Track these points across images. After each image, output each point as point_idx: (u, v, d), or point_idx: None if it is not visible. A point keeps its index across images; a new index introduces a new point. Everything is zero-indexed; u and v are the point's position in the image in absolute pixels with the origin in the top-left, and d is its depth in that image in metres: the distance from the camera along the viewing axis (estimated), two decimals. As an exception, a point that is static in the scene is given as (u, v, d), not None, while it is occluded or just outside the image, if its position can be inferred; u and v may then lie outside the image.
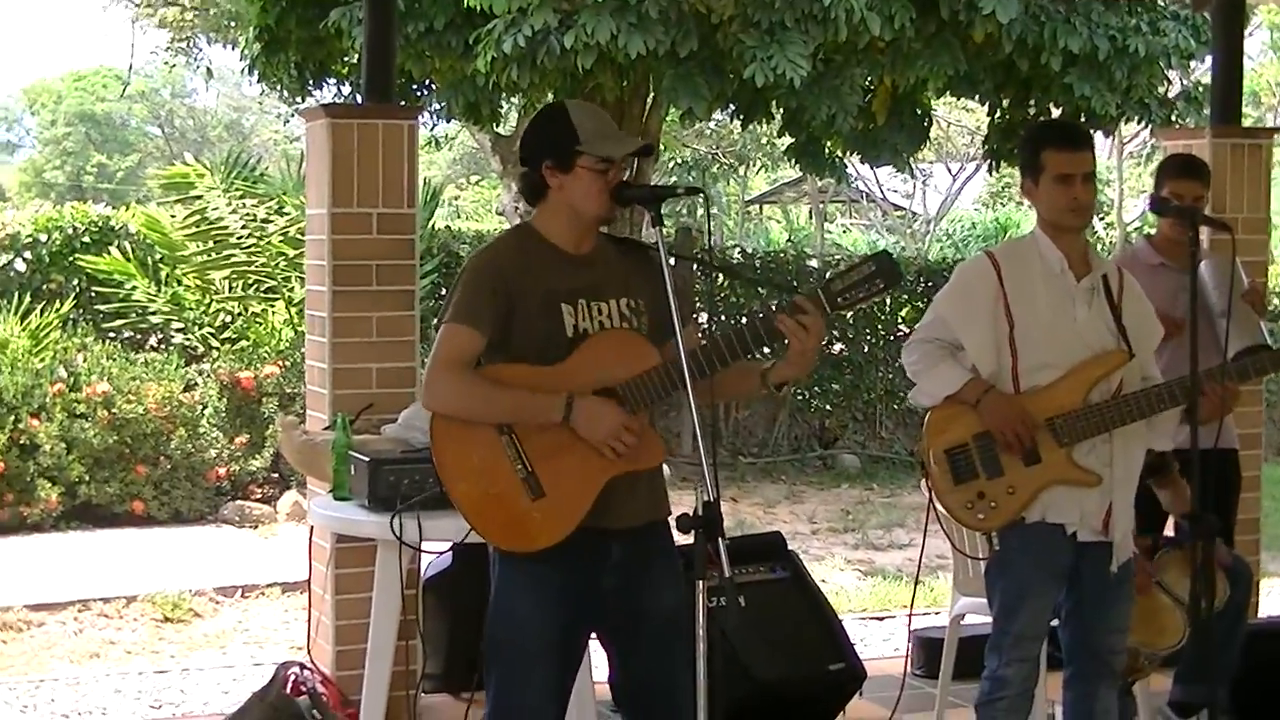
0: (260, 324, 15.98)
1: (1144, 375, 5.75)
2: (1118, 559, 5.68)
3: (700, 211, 28.49)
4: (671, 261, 4.80)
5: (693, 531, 4.56)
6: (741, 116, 15.70)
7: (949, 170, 35.72)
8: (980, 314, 5.67)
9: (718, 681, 4.71)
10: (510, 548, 4.91)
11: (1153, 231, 7.50)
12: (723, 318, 17.74)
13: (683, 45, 13.19)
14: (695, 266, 15.83)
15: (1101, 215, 36.10)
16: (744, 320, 4.84)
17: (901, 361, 5.92)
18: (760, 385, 4.97)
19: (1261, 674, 6.81)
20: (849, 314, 17.38)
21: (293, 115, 31.16)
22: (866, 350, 19.49)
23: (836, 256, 22.39)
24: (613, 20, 12.64)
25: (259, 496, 15.16)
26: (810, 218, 34.82)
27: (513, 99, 15.65)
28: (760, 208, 37.15)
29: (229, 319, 16.40)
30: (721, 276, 18.36)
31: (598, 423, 4.75)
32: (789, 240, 32.21)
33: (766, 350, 4.84)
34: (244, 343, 15.91)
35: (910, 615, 7.42)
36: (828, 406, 19.24)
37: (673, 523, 4.89)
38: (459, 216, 34.00)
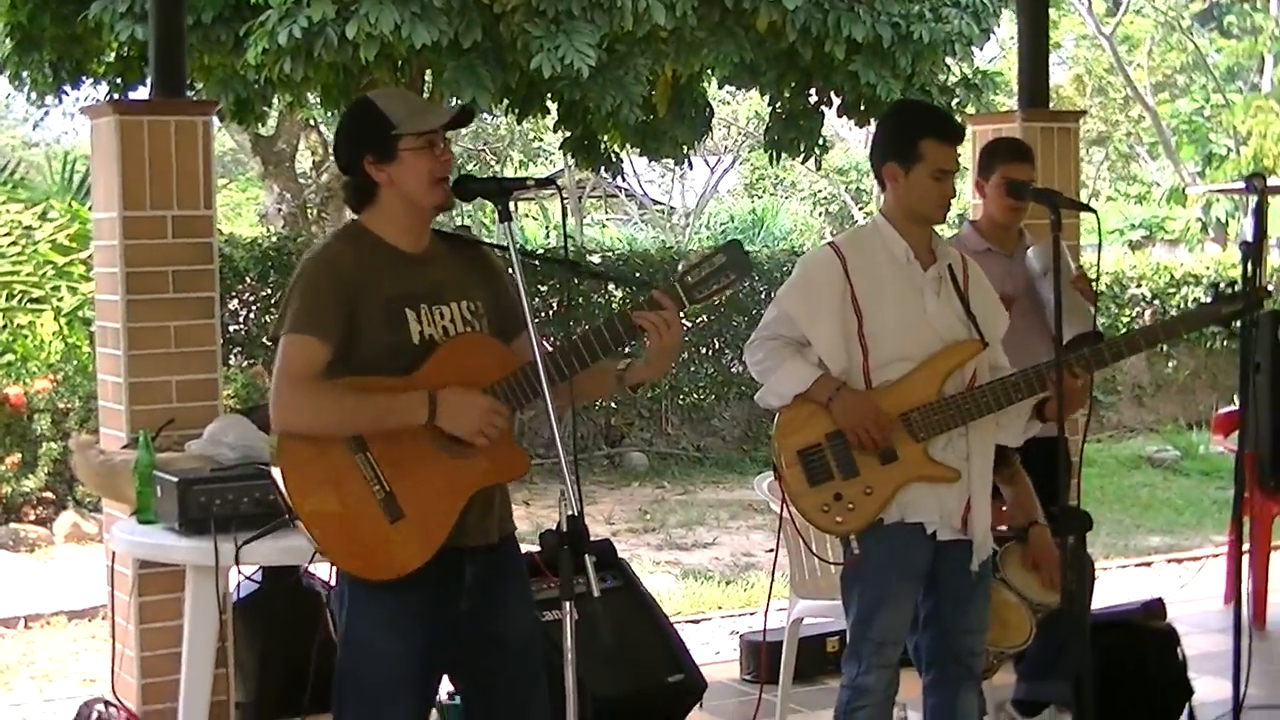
0: (28, 336, 15.44)
1: (993, 365, 5.62)
2: (978, 558, 5.55)
3: (465, 210, 28.37)
4: (518, 257, 4.60)
5: (560, 548, 4.34)
6: (517, 110, 15.48)
7: (707, 163, 35.76)
8: (827, 308, 5.47)
9: (559, 702, 4.47)
10: (369, 576, 4.61)
11: (973, 216, 7.37)
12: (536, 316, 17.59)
13: (466, 36, 13.01)
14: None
15: (861, 203, 36.57)
16: (604, 321, 4.59)
17: (745, 360, 5.68)
18: (616, 386, 4.82)
19: (1101, 664, 6.68)
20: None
21: (41, 119, 30.33)
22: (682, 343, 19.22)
23: (613, 254, 22.18)
24: (396, 9, 12.41)
25: (34, 519, 14.54)
26: (565, 214, 34.56)
27: (282, 97, 15.25)
28: (516, 205, 36.87)
29: (-8, 332, 15.78)
30: (570, 274, 18.18)
31: (466, 411, 4.51)
32: (557, 236, 31.96)
33: (625, 349, 4.66)
34: (10, 357, 15.32)
35: (766, 615, 7.13)
36: (613, 404, 19.05)
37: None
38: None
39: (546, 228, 33.97)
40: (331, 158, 4.60)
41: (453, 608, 4.66)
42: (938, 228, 5.64)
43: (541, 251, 19.06)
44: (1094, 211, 5.66)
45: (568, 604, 4.34)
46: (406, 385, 4.54)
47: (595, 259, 20.58)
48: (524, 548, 4.92)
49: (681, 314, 4.62)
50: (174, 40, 7.34)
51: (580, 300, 18.52)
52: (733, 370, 19.79)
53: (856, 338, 5.44)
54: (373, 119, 4.66)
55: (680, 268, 4.54)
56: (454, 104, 15.21)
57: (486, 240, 4.92)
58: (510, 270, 4.63)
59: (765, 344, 5.59)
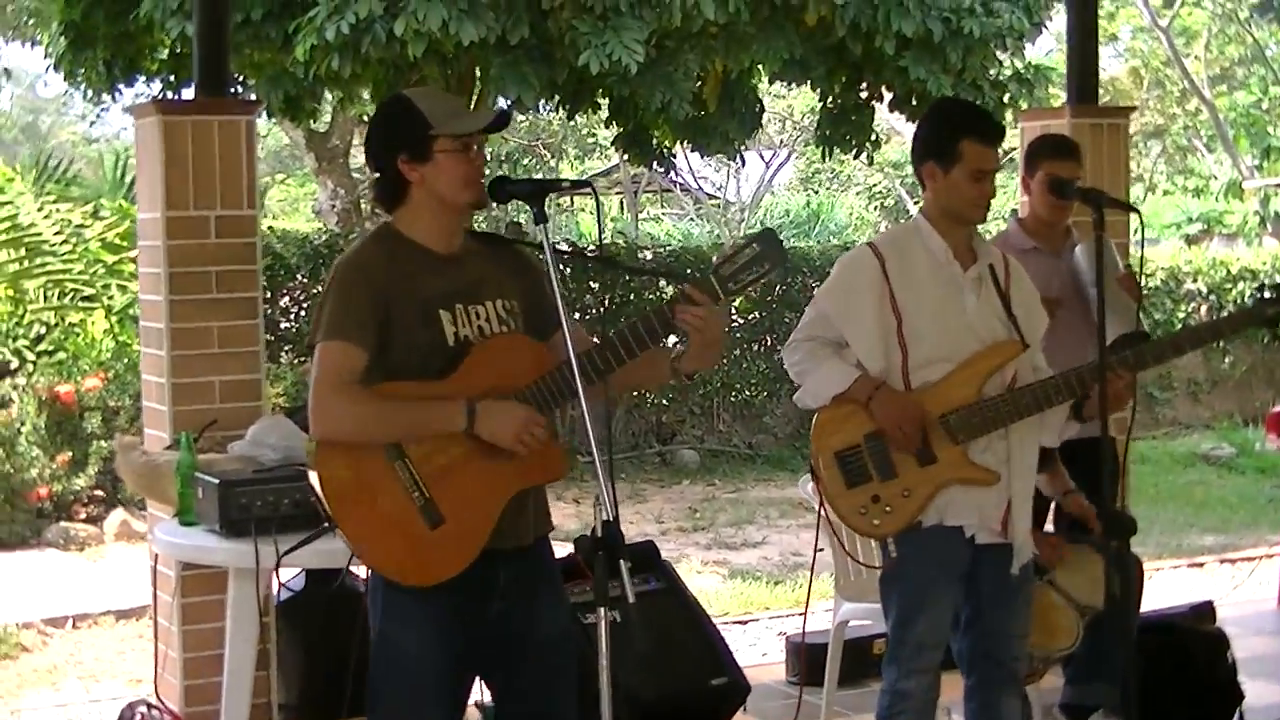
0: (79, 334, 15.47)
1: (1035, 366, 5.57)
2: (1018, 561, 5.49)
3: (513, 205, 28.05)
4: (554, 257, 4.60)
5: (595, 553, 4.33)
6: (567, 106, 15.46)
7: (761, 157, 35.75)
8: (865, 309, 5.44)
9: (594, 705, 4.44)
10: (409, 582, 4.59)
11: (1021, 213, 7.32)
12: (583, 311, 17.69)
13: (513, 32, 13.00)
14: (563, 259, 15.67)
15: (916, 197, 36.46)
16: (640, 315, 4.57)
17: (784, 362, 5.65)
18: (670, 373, 4.79)
19: (1148, 668, 6.63)
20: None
21: (97, 116, 30.48)
22: (725, 334, 19.15)
23: (664, 249, 22.18)
24: (444, 7, 12.43)
25: (84, 517, 14.61)
26: (622, 209, 34.68)
27: (333, 93, 15.29)
28: (570, 199, 36.84)
29: (44, 330, 15.86)
30: (608, 269, 18.35)
31: (505, 420, 4.48)
32: (612, 231, 31.97)
33: (663, 344, 4.64)
34: (62, 355, 15.36)
35: (805, 617, 7.07)
36: (664, 401, 19.05)
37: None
38: (266, 216, 33.54)
39: (600, 221, 33.99)
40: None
41: (485, 610, 4.63)
42: (980, 226, 5.59)
43: (579, 248, 19.00)
44: (1138, 211, 5.61)
45: (602, 609, 4.31)
46: (443, 390, 4.51)
47: (647, 254, 20.57)
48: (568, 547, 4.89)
49: (728, 306, 4.57)
50: (217, 39, 7.33)
51: (632, 296, 18.50)
52: (785, 367, 19.65)
53: (895, 338, 5.40)
54: (410, 118, 4.63)
55: (715, 259, 4.52)
56: (499, 103, 15.29)
57: (524, 240, 4.86)
58: (546, 268, 4.59)
59: (803, 345, 5.57)
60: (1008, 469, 5.41)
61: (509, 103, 14.91)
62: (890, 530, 5.45)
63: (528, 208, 4.60)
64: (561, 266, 17.91)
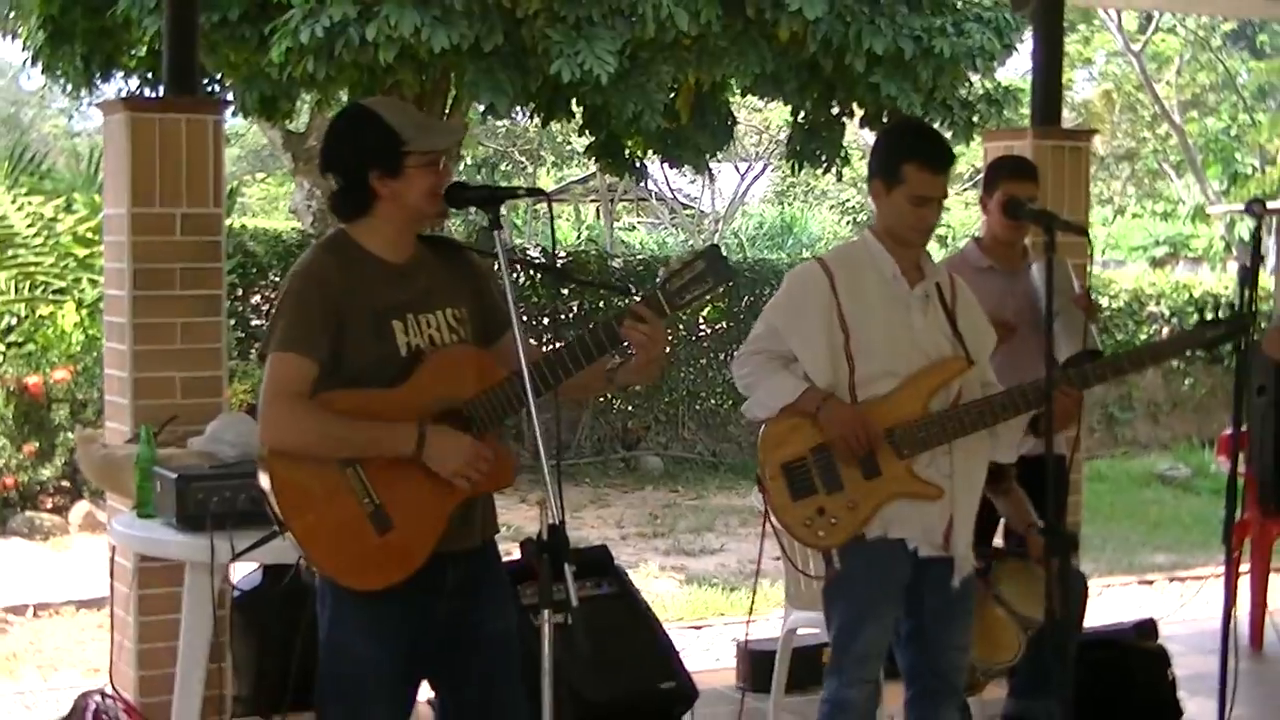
0: (49, 327, 15.39)
1: (984, 382, 5.58)
2: (959, 574, 5.50)
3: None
4: (508, 265, 4.58)
5: (539, 556, 4.33)
6: (542, 114, 15.48)
7: (736, 169, 35.77)
8: (814, 323, 5.45)
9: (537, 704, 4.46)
10: (357, 586, 4.60)
11: (979, 233, 7.35)
12: (551, 320, 17.72)
13: (487, 40, 13.02)
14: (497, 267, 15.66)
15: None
16: (588, 329, 4.59)
17: (732, 374, 5.67)
18: (607, 384, 4.87)
19: (1090, 683, 6.68)
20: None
21: (76, 110, 30.37)
22: (667, 351, 19.18)
23: (635, 257, 22.22)
24: (416, 13, 12.46)
25: (50, 507, 14.64)
26: (598, 216, 34.71)
27: (308, 95, 15.31)
28: (548, 206, 36.64)
29: (14, 322, 15.82)
30: (554, 278, 18.32)
31: (451, 455, 4.51)
32: (583, 239, 32.01)
33: (609, 356, 4.66)
34: (31, 346, 15.32)
35: (748, 625, 7.11)
36: (630, 408, 19.08)
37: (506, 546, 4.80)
38: (245, 214, 33.49)
39: (579, 229, 34.01)
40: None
41: (433, 610, 4.65)
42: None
43: (529, 259, 18.98)
44: (1088, 234, 5.64)
45: (546, 611, 4.32)
46: (394, 399, 4.53)
47: (617, 262, 20.60)
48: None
49: (676, 319, 4.60)
50: (187, 38, 7.31)
51: (601, 305, 18.50)
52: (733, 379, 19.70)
53: (843, 352, 5.41)
54: (379, 131, 4.61)
55: (660, 275, 4.51)
56: (474, 108, 15.31)
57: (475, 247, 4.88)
58: (498, 274, 4.58)
59: (751, 358, 5.58)
60: (951, 484, 5.42)
61: (481, 111, 14.97)
62: (835, 542, 5.46)
63: (505, 211, 4.59)
64: (533, 275, 17.94)
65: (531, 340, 4.78)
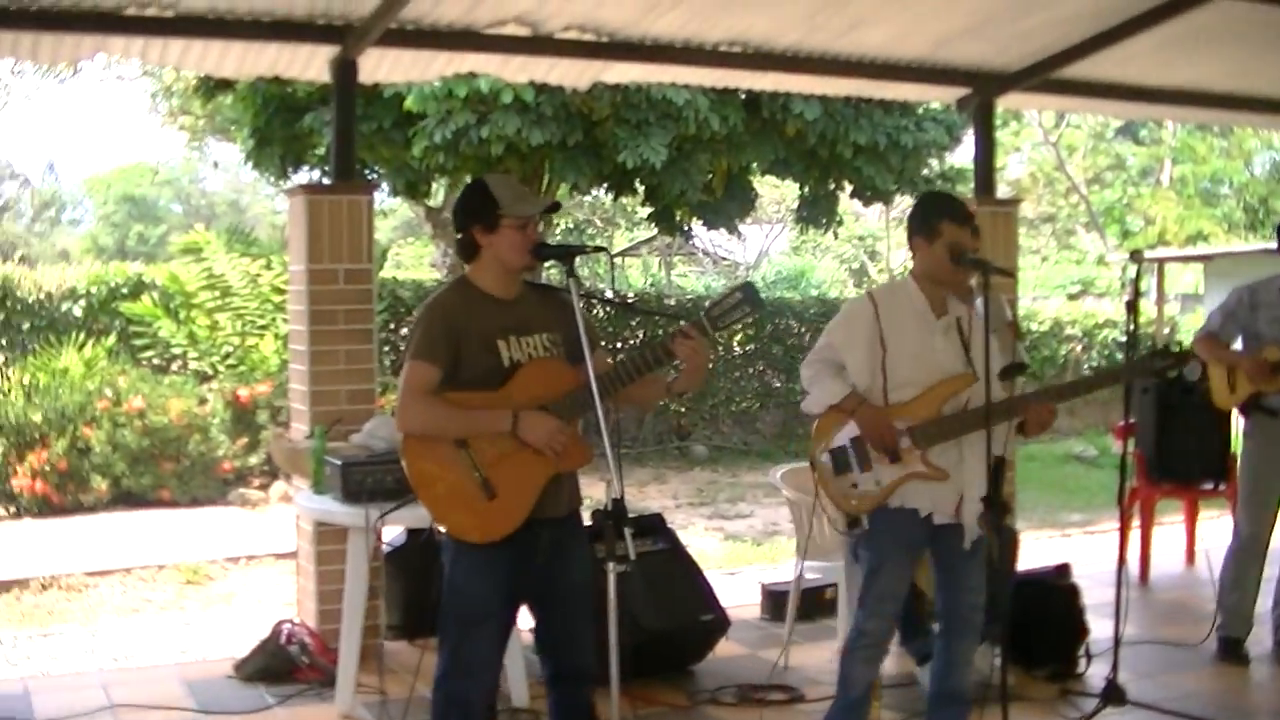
0: (254, 353, 15.50)
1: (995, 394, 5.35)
2: (969, 537, 5.29)
3: (577, 262, 28.30)
4: (580, 302, 4.50)
5: (606, 522, 4.30)
6: (613, 191, 15.49)
7: (761, 230, 35.75)
8: (860, 341, 5.33)
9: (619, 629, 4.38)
10: (471, 539, 4.54)
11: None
12: (618, 343, 17.78)
13: (570, 137, 13.15)
14: (593, 304, 15.72)
15: (875, 262, 36.42)
16: (644, 345, 4.52)
17: (801, 373, 5.55)
18: (665, 393, 4.75)
19: (1021, 612, 6.55)
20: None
21: (278, 194, 30.60)
22: (711, 366, 19.10)
23: (686, 297, 22.15)
24: (518, 118, 12.51)
25: (256, 485, 14.76)
26: (659, 267, 34.69)
27: (440, 180, 15.40)
28: (623, 260, 37.05)
29: (230, 349, 15.89)
30: (623, 311, 18.34)
31: (538, 428, 4.46)
32: (648, 284, 32.00)
33: (664, 368, 4.57)
34: (242, 367, 15.46)
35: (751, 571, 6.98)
36: (682, 409, 19.02)
37: (586, 514, 4.72)
38: (399, 268, 33.62)
39: (645, 276, 34.00)
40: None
41: (530, 562, 4.58)
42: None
43: (601, 296, 19.02)
44: (1014, 276, 5.51)
45: (610, 564, 4.28)
46: (497, 398, 4.48)
47: (671, 301, 20.54)
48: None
49: (717, 340, 4.50)
50: (346, 142, 7.26)
51: (659, 333, 18.41)
52: (773, 385, 19.69)
53: (880, 365, 5.29)
54: (485, 198, 4.60)
55: (706, 304, 4.43)
56: (561, 188, 15.30)
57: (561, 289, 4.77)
58: (575, 312, 4.49)
59: (814, 364, 5.48)
60: (960, 469, 5.26)
61: (569, 188, 14.98)
62: (864, 509, 5.35)
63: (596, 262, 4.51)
64: (607, 310, 17.89)
65: (608, 360, 4.71)
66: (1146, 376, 5.98)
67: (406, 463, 4.55)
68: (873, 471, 5.32)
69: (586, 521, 4.90)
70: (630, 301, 19.22)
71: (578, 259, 4.70)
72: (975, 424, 5.20)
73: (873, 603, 5.37)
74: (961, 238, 5.27)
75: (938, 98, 10.46)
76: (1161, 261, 22.33)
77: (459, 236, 4.67)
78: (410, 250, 38.21)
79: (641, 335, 18.41)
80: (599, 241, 31.94)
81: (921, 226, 5.36)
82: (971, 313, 5.45)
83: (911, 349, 5.29)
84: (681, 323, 4.52)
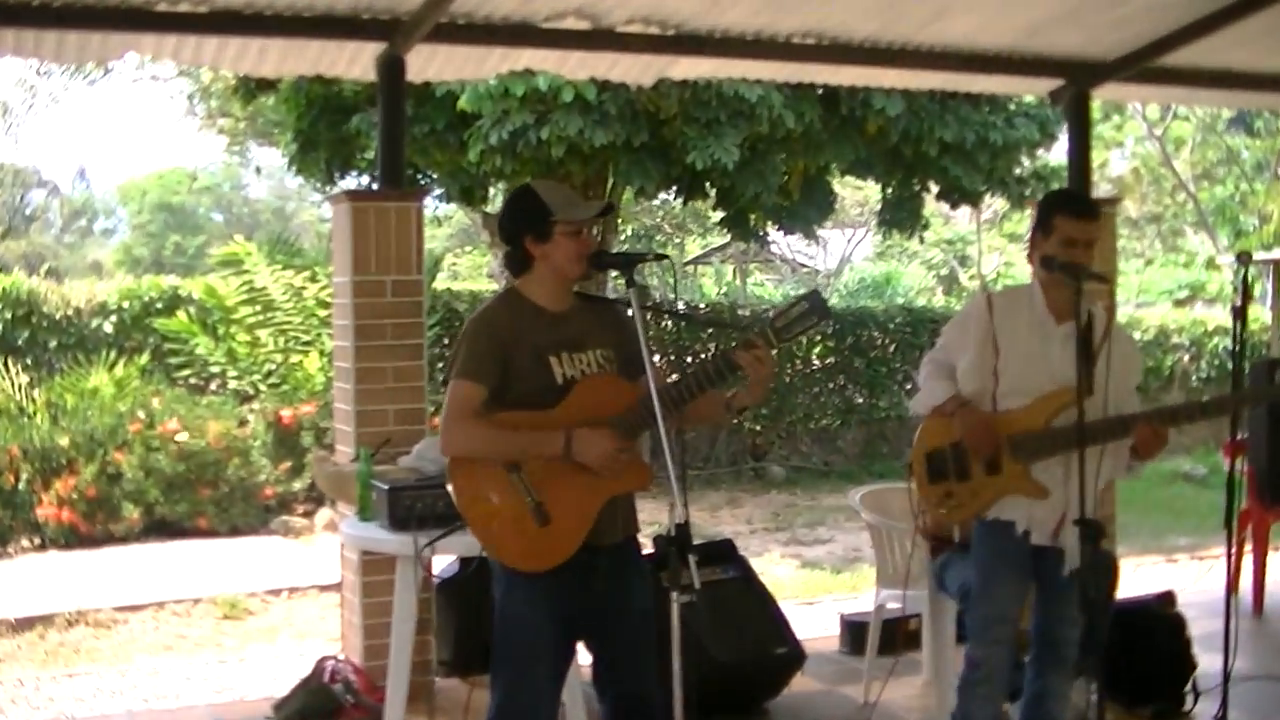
0: (298, 371, 15.56)
1: (1119, 410, 5.25)
2: (1068, 565, 5.25)
3: (646, 270, 28.37)
4: (642, 314, 4.50)
5: (669, 548, 4.23)
6: (682, 195, 15.50)
7: (843, 234, 35.68)
8: (971, 344, 5.36)
9: (684, 663, 4.33)
10: (523, 568, 4.55)
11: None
12: (689, 357, 17.75)
13: (636, 137, 13.15)
14: (650, 316, 15.69)
15: (966, 268, 36.26)
16: (706, 359, 4.51)
17: (839, 399, 5.55)
18: (726, 411, 4.72)
19: (1122, 644, 6.52)
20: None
21: (324, 201, 30.85)
22: (788, 380, 19.13)
23: (761, 307, 22.12)
24: (580, 118, 12.53)
25: (300, 512, 14.81)
26: (734, 275, 34.69)
27: (498, 184, 15.45)
28: (695, 268, 37.12)
29: (273, 367, 15.97)
30: (685, 322, 18.34)
31: (594, 446, 4.45)
32: (721, 294, 31.98)
33: (727, 381, 4.53)
34: (285, 386, 15.52)
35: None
36: (758, 427, 18.93)
37: (647, 540, 4.67)
38: (455, 278, 33.79)
39: (719, 285, 34.03)
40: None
41: (587, 591, 4.57)
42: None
43: (664, 307, 19.03)
44: (1109, 282, 5.47)
45: (674, 594, 4.23)
46: (550, 418, 4.47)
47: (745, 311, 20.50)
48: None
49: (782, 350, 4.48)
50: (395, 145, 7.29)
51: (733, 345, 18.35)
52: (855, 401, 19.57)
53: (991, 370, 5.30)
54: (534, 205, 4.60)
55: (771, 314, 4.42)
56: (627, 192, 15.32)
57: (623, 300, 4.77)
58: (634, 323, 4.50)
59: (927, 365, 5.53)
60: (1064, 489, 5.20)
61: (635, 192, 15.00)
62: (956, 519, 5.44)
63: (660, 272, 4.52)
64: (676, 322, 17.87)
65: (670, 377, 4.66)
66: (1265, 401, 5.90)
67: (454, 486, 4.57)
68: (970, 481, 5.32)
69: (648, 548, 4.92)
70: (690, 312, 19.18)
71: (641, 268, 4.71)
72: (1085, 441, 5.13)
73: (979, 629, 5.33)
74: (1078, 233, 5.23)
75: (1029, 90, 10.42)
76: (1276, 264, 22.06)
77: (508, 249, 4.68)
78: (467, 260, 38.39)
79: (713, 349, 18.39)
80: (669, 249, 31.95)
81: (1038, 223, 5.36)
82: (1111, 323, 5.40)
83: (1025, 356, 5.28)
84: (747, 335, 4.49)
